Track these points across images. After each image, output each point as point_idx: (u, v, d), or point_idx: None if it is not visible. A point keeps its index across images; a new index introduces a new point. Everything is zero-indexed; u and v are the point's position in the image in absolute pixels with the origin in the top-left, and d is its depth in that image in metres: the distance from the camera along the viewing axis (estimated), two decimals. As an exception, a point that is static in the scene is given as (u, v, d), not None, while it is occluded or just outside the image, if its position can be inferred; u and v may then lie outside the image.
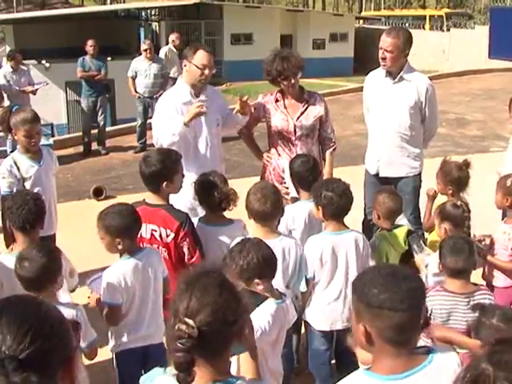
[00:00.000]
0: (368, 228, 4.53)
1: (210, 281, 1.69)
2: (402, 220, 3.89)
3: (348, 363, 3.44)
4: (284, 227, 3.53)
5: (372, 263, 3.45)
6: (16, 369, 1.19)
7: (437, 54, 23.90)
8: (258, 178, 4.61)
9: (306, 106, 4.43)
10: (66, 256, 3.12)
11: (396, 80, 4.59)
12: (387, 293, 1.69)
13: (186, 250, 3.29)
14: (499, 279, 3.69)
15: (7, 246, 3.86)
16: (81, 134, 10.24)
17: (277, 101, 4.45)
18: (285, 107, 4.42)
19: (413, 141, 4.70)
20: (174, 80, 5.02)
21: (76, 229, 5.83)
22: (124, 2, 39.46)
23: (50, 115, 13.11)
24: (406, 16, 30.04)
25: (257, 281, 2.50)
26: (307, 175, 3.77)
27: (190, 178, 3.66)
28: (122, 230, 2.94)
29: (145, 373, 2.04)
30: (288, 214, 3.50)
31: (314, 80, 17.98)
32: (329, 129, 4.58)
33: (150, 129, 10.14)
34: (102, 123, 10.04)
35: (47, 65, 16.56)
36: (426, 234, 4.26)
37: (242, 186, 3.55)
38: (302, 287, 3.31)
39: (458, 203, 3.60)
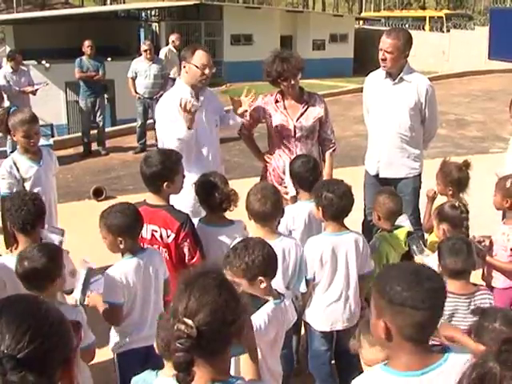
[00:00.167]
0: (368, 229, 4.53)
1: (209, 281, 1.70)
2: (404, 221, 3.88)
3: (348, 364, 3.46)
4: (284, 227, 3.54)
5: (372, 264, 3.46)
6: (14, 368, 1.19)
7: (437, 55, 23.92)
8: (258, 179, 4.61)
9: (306, 106, 4.43)
10: (69, 256, 3.12)
11: (396, 81, 4.59)
12: (410, 291, 1.72)
13: (186, 250, 3.29)
14: (499, 280, 3.69)
15: (7, 247, 3.86)
16: (81, 134, 10.26)
17: (277, 102, 4.45)
18: (285, 108, 4.42)
19: (413, 142, 4.70)
20: (174, 80, 5.01)
21: (76, 229, 5.83)
22: (124, 3, 39.51)
23: (50, 116, 13.12)
24: (405, 17, 30.08)
25: (260, 278, 2.50)
26: (307, 175, 3.77)
27: (192, 179, 3.65)
28: (124, 228, 2.94)
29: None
30: (288, 215, 3.50)
31: (314, 81, 18.00)
32: (329, 130, 4.58)
33: (150, 129, 10.26)
34: (100, 124, 10.05)
35: (47, 65, 16.55)
36: (426, 235, 4.26)
37: (242, 186, 3.55)
38: (302, 288, 3.31)
39: (457, 204, 3.61)
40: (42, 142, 5.61)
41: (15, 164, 4.04)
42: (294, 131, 4.38)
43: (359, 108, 5.71)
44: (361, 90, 5.40)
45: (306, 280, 3.30)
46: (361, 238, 3.41)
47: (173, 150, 3.68)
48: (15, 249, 3.18)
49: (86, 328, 2.73)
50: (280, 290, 2.79)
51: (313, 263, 3.29)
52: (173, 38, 11.33)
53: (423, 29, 27.25)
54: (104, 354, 3.33)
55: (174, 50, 10.95)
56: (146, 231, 3.30)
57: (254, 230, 3.24)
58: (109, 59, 14.87)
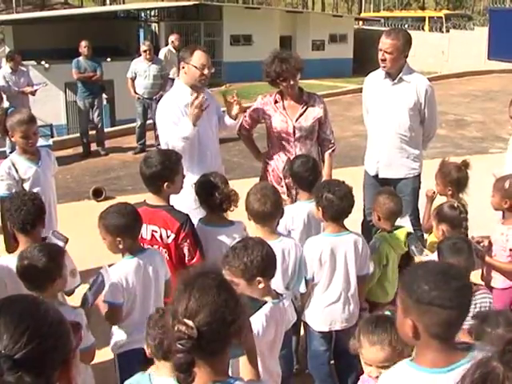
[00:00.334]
0: (367, 229, 4.53)
1: (209, 281, 1.70)
2: (405, 222, 3.88)
3: (347, 363, 3.47)
4: (283, 228, 3.53)
5: (371, 265, 3.46)
6: (10, 368, 1.19)
7: (436, 56, 23.92)
8: (257, 179, 4.61)
9: (305, 107, 4.43)
10: (70, 256, 3.12)
11: (395, 81, 4.59)
12: (437, 290, 1.75)
13: (186, 250, 3.28)
14: (498, 280, 3.68)
15: (7, 248, 3.86)
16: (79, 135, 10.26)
17: (276, 102, 4.45)
18: (284, 108, 4.42)
19: (412, 142, 4.70)
20: (174, 81, 5.00)
21: (75, 230, 5.82)
22: (123, 3, 39.50)
23: (50, 116, 13.13)
24: (405, 17, 30.05)
25: (259, 279, 2.50)
26: (307, 175, 3.77)
27: (195, 180, 3.63)
28: (122, 228, 2.94)
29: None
30: (287, 215, 3.50)
31: (314, 81, 18.00)
32: (328, 130, 4.58)
33: (150, 130, 10.26)
34: (99, 124, 10.05)
35: (46, 66, 16.55)
36: (426, 235, 4.26)
37: (241, 186, 3.55)
38: (302, 288, 3.31)
39: (455, 204, 3.60)
40: (42, 142, 5.60)
41: (14, 165, 4.04)
42: (294, 132, 4.38)
43: (358, 108, 5.72)
44: (360, 90, 5.41)
45: (306, 280, 3.30)
46: (360, 239, 3.41)
47: (172, 150, 3.68)
48: (16, 249, 3.18)
49: (86, 330, 2.73)
50: (279, 290, 2.80)
51: (312, 263, 3.30)
52: (172, 38, 11.34)
53: (423, 29, 27.24)
54: (104, 354, 3.33)
55: (174, 51, 10.95)
56: (146, 232, 3.30)
57: (254, 231, 3.23)
58: (108, 59, 14.90)
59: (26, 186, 4.03)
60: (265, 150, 4.63)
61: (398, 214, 3.76)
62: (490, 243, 3.67)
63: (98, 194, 7.53)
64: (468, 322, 2.76)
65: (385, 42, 4.45)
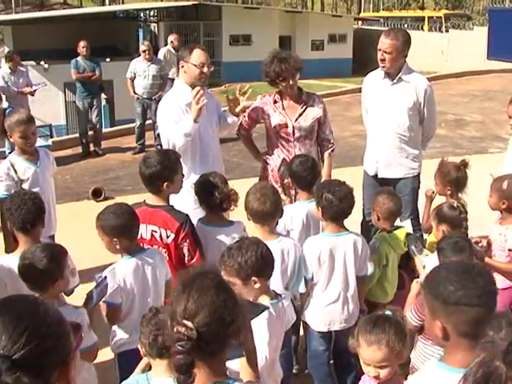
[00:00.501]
0: (366, 229, 4.53)
1: (207, 282, 1.69)
2: (406, 224, 3.88)
3: (346, 363, 3.47)
4: (282, 227, 3.53)
5: (370, 265, 3.46)
6: (8, 369, 1.18)
7: (435, 55, 23.93)
8: (257, 179, 4.60)
9: (305, 107, 4.42)
10: (70, 256, 3.12)
11: (395, 81, 4.59)
12: (464, 290, 1.77)
13: (186, 250, 3.28)
14: (497, 281, 3.63)
15: (6, 248, 3.86)
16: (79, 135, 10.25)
17: (275, 102, 4.44)
18: (283, 108, 4.42)
19: (411, 142, 4.70)
20: (173, 81, 5.00)
21: (75, 230, 5.83)
22: (123, 3, 39.49)
23: (49, 116, 13.11)
24: (404, 17, 30.04)
25: (254, 279, 2.50)
26: (306, 175, 3.77)
27: (196, 180, 3.63)
28: (118, 229, 2.93)
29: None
30: (286, 215, 3.50)
31: (313, 81, 18.01)
32: (327, 130, 4.58)
33: (149, 130, 10.25)
34: (97, 124, 10.05)
35: (46, 66, 16.55)
36: (425, 235, 4.26)
37: (241, 186, 3.54)
38: (302, 288, 3.31)
39: (455, 205, 3.59)
40: (41, 142, 5.60)
41: (13, 166, 4.04)
42: (293, 131, 4.38)
43: (358, 108, 5.72)
44: (359, 90, 5.40)
45: (305, 280, 3.30)
46: (360, 239, 3.41)
47: (172, 149, 3.67)
48: (15, 249, 3.17)
49: (88, 329, 2.73)
50: (279, 290, 2.79)
51: (311, 263, 3.29)
52: (171, 38, 11.33)
53: (422, 29, 27.24)
54: (104, 354, 3.32)
55: (173, 51, 10.94)
56: (146, 232, 3.30)
57: (253, 231, 3.23)
58: (107, 60, 14.90)
59: (25, 186, 4.03)
60: (264, 149, 4.63)
61: (397, 213, 3.76)
62: (489, 243, 3.66)
63: (97, 194, 7.53)
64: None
65: (384, 42, 4.45)
